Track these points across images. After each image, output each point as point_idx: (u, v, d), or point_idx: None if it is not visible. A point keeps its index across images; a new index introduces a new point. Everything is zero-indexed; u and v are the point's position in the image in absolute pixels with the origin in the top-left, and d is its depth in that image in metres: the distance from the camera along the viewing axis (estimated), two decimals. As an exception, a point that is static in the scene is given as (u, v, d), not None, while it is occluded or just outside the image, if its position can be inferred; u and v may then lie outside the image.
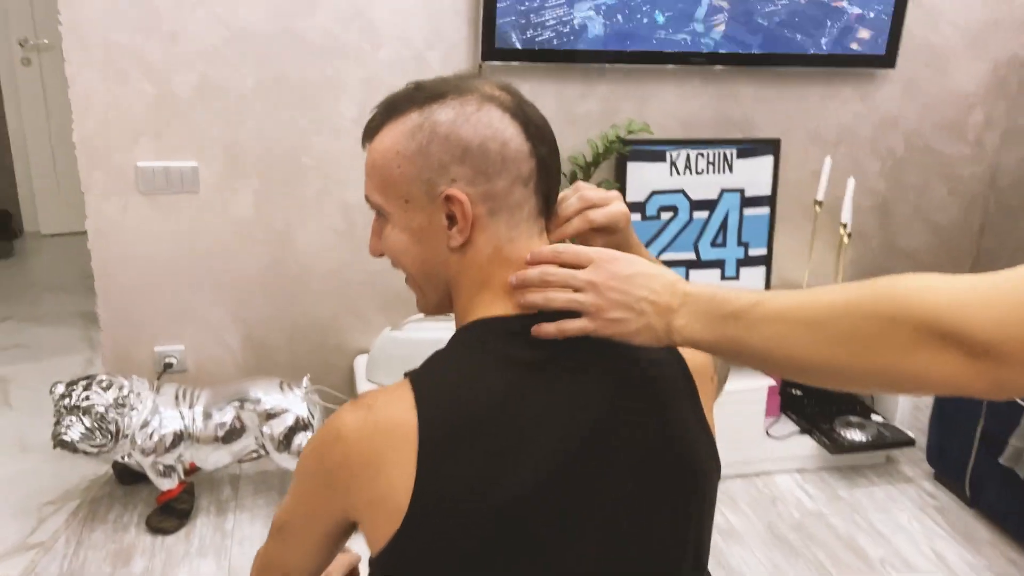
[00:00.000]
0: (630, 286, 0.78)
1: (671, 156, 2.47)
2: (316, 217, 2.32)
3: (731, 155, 2.52)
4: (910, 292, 0.65)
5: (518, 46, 2.23)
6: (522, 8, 2.19)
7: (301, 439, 2.14)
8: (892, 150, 2.72)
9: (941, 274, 0.65)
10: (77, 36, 2.05)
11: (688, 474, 0.85)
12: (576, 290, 0.80)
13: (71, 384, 2.07)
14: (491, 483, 0.75)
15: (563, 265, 0.81)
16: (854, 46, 2.48)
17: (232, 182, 2.25)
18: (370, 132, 0.86)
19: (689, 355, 0.89)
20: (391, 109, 0.85)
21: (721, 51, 2.38)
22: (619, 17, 2.26)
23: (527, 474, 0.76)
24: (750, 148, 2.53)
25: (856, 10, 2.44)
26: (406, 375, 0.82)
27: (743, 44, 2.38)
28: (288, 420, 2.13)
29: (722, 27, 2.35)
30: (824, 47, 2.46)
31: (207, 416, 2.13)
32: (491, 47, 2.23)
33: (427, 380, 0.80)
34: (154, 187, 2.20)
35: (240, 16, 2.12)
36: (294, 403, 2.16)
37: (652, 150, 2.46)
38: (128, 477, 2.33)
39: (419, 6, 2.22)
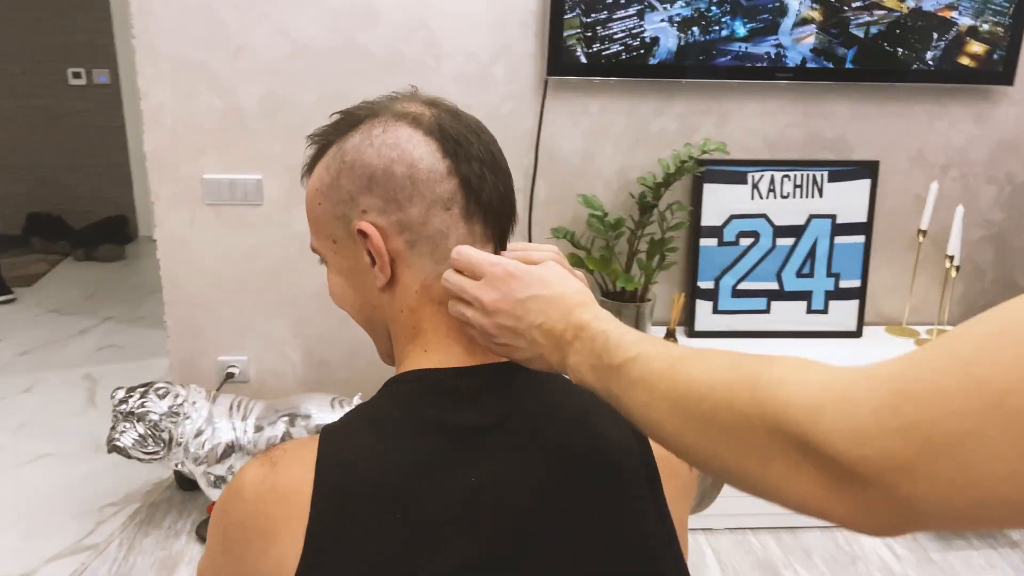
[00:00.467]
0: (522, 311, 0.67)
1: (752, 178, 2.30)
2: (377, 233, 2.29)
3: (821, 178, 2.32)
4: (771, 384, 0.49)
5: (584, 60, 2.13)
6: (589, 20, 2.09)
7: (348, 458, 2.10)
8: (1011, 175, 2.45)
9: (827, 364, 0.49)
10: (149, 50, 2.10)
11: None
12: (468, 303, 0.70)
13: (130, 390, 2.11)
14: (386, 572, 0.64)
15: (458, 271, 0.71)
16: (964, 61, 2.24)
17: (294, 196, 2.25)
18: (306, 171, 0.80)
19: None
20: (319, 143, 0.78)
21: (810, 65, 2.19)
22: (695, 30, 2.12)
23: (431, 567, 0.65)
24: (844, 171, 2.33)
25: (967, 21, 2.20)
26: (323, 429, 0.74)
27: (834, 58, 2.19)
28: (336, 438, 2.10)
29: (811, 39, 2.17)
30: (930, 62, 2.23)
31: (258, 429, 2.13)
32: (558, 61, 2.13)
33: (336, 441, 0.70)
34: (219, 199, 2.23)
35: (303, 30, 2.12)
36: (343, 421, 2.12)
37: (731, 171, 2.30)
38: (188, 483, 2.37)
39: (484, 19, 2.16)
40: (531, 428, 0.72)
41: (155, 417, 2.06)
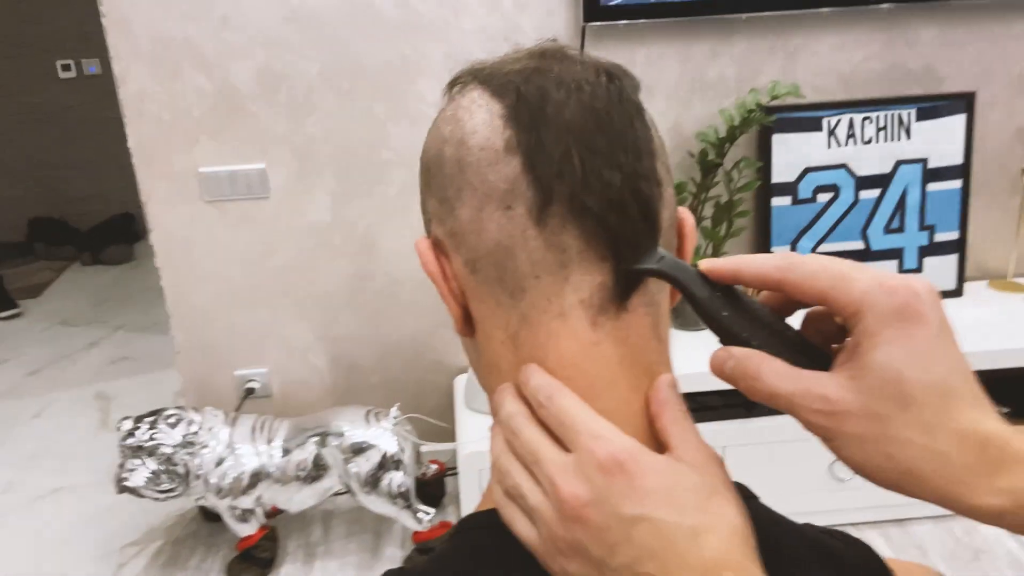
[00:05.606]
0: (621, 538, 0.39)
1: (828, 123, 1.99)
2: (401, 218, 2.01)
3: (909, 117, 2.00)
4: None
5: (624, 2, 1.81)
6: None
7: (390, 479, 1.85)
8: None
9: None
10: (122, 28, 1.81)
11: None
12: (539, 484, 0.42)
13: (138, 420, 1.86)
14: None
15: (542, 424, 0.43)
16: (1078, -37, 1.89)
17: (305, 184, 1.97)
18: None
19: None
20: None
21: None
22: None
23: None
24: (934, 107, 2.00)
25: (1081, -85, 1.85)
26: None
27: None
28: (374, 458, 1.85)
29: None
30: (1035, -32, 1.89)
31: (286, 453, 1.87)
32: (595, 5, 1.82)
33: None
34: (220, 194, 1.95)
35: (299, -9, 1.82)
36: (381, 438, 1.87)
37: (804, 117, 1.98)
38: (214, 514, 2.12)
39: (508, -39, 1.84)
40: None
41: (168, 450, 1.81)
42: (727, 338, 0.42)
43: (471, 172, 0.45)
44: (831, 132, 1.99)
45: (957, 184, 2.04)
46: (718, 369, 0.42)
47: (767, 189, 2.01)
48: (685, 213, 0.49)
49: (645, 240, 0.44)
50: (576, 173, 0.43)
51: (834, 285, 0.39)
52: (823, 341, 0.43)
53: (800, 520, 0.52)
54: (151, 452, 1.81)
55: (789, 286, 0.41)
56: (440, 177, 0.47)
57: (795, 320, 0.45)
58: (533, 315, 0.45)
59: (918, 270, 2.08)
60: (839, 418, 0.38)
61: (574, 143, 0.43)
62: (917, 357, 0.37)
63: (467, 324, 0.49)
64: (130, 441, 1.82)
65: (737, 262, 0.42)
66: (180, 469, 1.82)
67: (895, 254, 2.07)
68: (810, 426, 0.39)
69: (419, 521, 1.88)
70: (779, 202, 2.02)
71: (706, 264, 0.43)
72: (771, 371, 0.40)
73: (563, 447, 0.41)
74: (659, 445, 0.43)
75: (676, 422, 0.43)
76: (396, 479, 1.86)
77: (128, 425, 1.85)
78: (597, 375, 0.44)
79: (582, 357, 0.44)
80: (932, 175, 2.03)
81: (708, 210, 1.97)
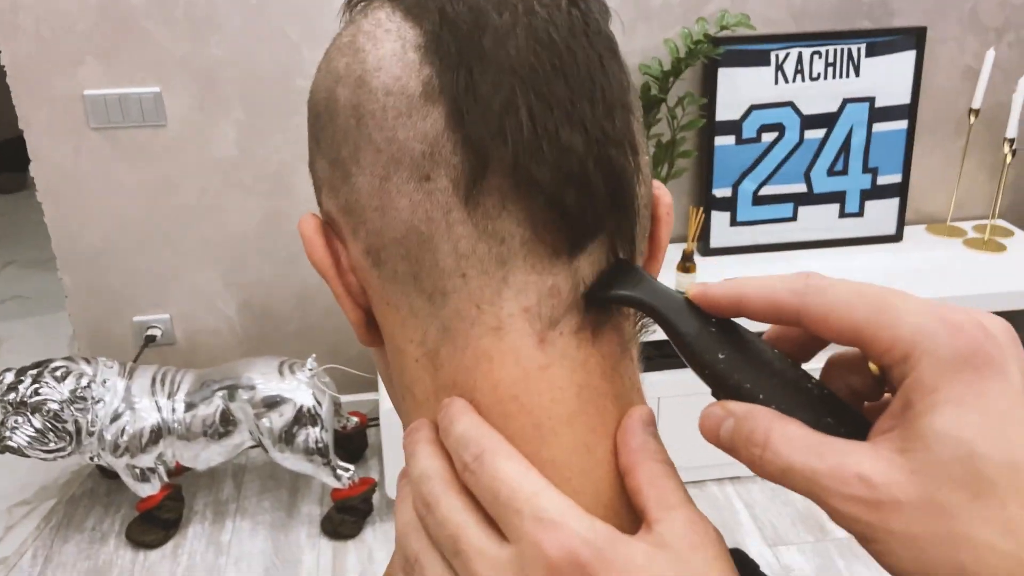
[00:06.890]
0: None
1: (777, 57, 1.87)
2: (317, 152, 1.83)
3: (858, 52, 1.90)
4: None
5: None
6: None
7: (306, 435, 1.72)
8: (1076, 38, 2.05)
9: None
10: (-14, -75, 1.56)
11: None
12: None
13: (20, 373, 1.68)
14: None
15: (468, 492, 0.31)
16: None
17: (208, 113, 1.77)
18: None
19: None
20: None
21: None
22: None
23: None
24: (884, 42, 1.91)
25: None
26: None
27: None
28: (288, 412, 1.71)
29: None
30: None
31: (190, 407, 1.72)
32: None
33: None
34: (108, 120, 1.74)
35: None
36: (296, 390, 1.73)
37: (751, 50, 1.86)
38: (113, 471, 1.96)
39: None
40: None
41: (54, 406, 1.64)
42: (723, 390, 0.30)
43: (373, 125, 0.32)
44: (779, 67, 1.88)
45: (903, 124, 1.97)
46: (711, 432, 0.30)
47: (711, 127, 1.90)
48: (661, 190, 0.37)
49: (615, 227, 0.32)
50: (523, 132, 0.30)
51: (874, 318, 0.27)
52: (852, 398, 0.31)
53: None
54: (35, 408, 1.63)
55: (811, 318, 0.28)
56: (331, 129, 0.34)
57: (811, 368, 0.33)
58: (458, 327, 0.32)
59: (859, 214, 2.01)
60: (885, 510, 0.26)
61: (521, 89, 0.30)
62: (995, 424, 0.25)
63: (371, 331, 0.36)
64: (11, 396, 1.64)
65: (740, 287, 0.30)
66: (70, 426, 1.65)
67: (837, 197, 2.00)
68: (841, 518, 0.27)
69: (338, 479, 1.76)
70: (722, 141, 1.91)
71: (697, 290, 0.31)
72: (785, 437, 0.28)
73: (498, 531, 0.29)
74: (630, 511, 0.32)
75: (655, 480, 0.31)
76: (312, 434, 1.73)
77: (9, 378, 1.67)
78: (545, 411, 0.32)
79: (524, 387, 0.32)
80: (879, 114, 1.95)
81: (649, 149, 1.85)
